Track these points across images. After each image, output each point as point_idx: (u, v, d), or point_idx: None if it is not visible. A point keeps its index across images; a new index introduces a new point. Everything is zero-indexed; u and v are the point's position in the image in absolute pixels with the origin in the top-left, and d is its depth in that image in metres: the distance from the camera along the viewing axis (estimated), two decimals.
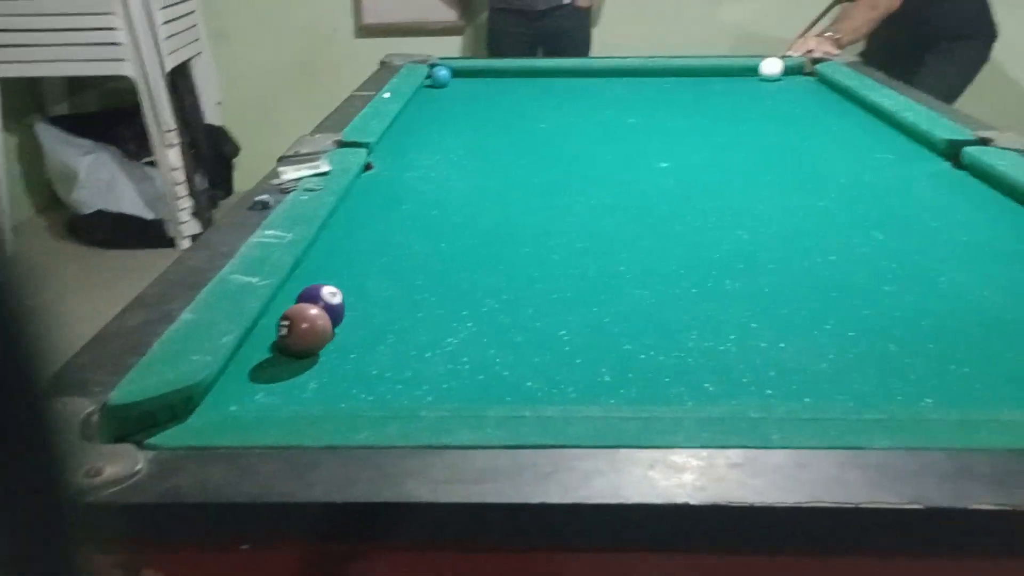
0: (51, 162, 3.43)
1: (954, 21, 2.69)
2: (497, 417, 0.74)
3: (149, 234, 3.38)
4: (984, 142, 1.53)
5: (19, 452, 0.30)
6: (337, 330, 0.94)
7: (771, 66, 2.27)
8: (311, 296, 0.93)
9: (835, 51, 2.41)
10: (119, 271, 3.15)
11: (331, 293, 0.94)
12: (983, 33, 2.75)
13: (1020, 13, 3.34)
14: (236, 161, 3.88)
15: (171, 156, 3.26)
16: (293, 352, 0.88)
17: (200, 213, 3.39)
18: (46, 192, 3.69)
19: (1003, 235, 1.23)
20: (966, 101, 2.62)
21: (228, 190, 3.83)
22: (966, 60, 2.70)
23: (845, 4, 2.70)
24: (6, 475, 0.30)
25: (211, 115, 3.77)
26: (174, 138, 3.25)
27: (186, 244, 3.32)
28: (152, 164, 3.40)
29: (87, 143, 3.44)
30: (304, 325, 0.88)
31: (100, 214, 3.36)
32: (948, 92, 2.53)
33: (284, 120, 3.77)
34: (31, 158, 3.59)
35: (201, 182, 3.54)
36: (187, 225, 3.34)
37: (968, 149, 1.50)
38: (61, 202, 3.54)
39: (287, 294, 1.02)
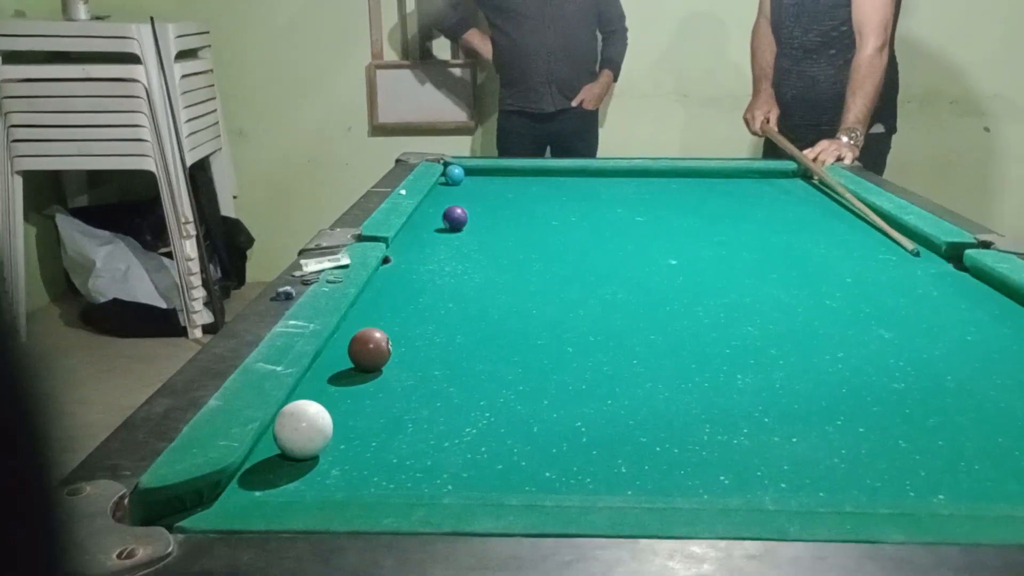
0: (69, 251, 3.50)
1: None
2: (518, 506, 0.76)
3: (162, 323, 3.42)
4: (985, 245, 1.57)
5: (26, 540, 0.31)
6: (357, 418, 0.97)
7: None
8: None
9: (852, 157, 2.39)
10: (131, 359, 3.18)
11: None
12: (887, 122, 2.67)
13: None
14: (249, 252, 3.96)
15: (187, 247, 3.34)
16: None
17: (212, 303, 3.45)
18: (62, 281, 3.76)
19: (1006, 335, 1.25)
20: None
21: (241, 281, 3.90)
22: (874, 151, 2.59)
23: (849, 89, 2.48)
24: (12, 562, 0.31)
25: (227, 208, 3.87)
26: (191, 230, 3.33)
27: (198, 333, 3.36)
28: (168, 255, 3.48)
29: (105, 234, 3.53)
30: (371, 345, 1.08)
31: (115, 303, 3.41)
32: None
33: (297, 213, 3.89)
34: (49, 248, 3.68)
35: (214, 273, 3.61)
36: (199, 315, 3.39)
37: (970, 251, 1.55)
38: (76, 291, 3.60)
39: (309, 382, 1.05)
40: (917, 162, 3.66)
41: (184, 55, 3.39)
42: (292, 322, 1.16)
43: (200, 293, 3.41)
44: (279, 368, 1.02)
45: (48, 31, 3.16)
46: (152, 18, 3.14)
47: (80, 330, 3.52)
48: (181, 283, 3.37)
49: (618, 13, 3.38)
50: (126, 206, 3.77)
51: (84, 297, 3.51)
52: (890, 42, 2.55)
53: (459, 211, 1.82)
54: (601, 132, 3.60)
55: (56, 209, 3.58)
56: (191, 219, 3.32)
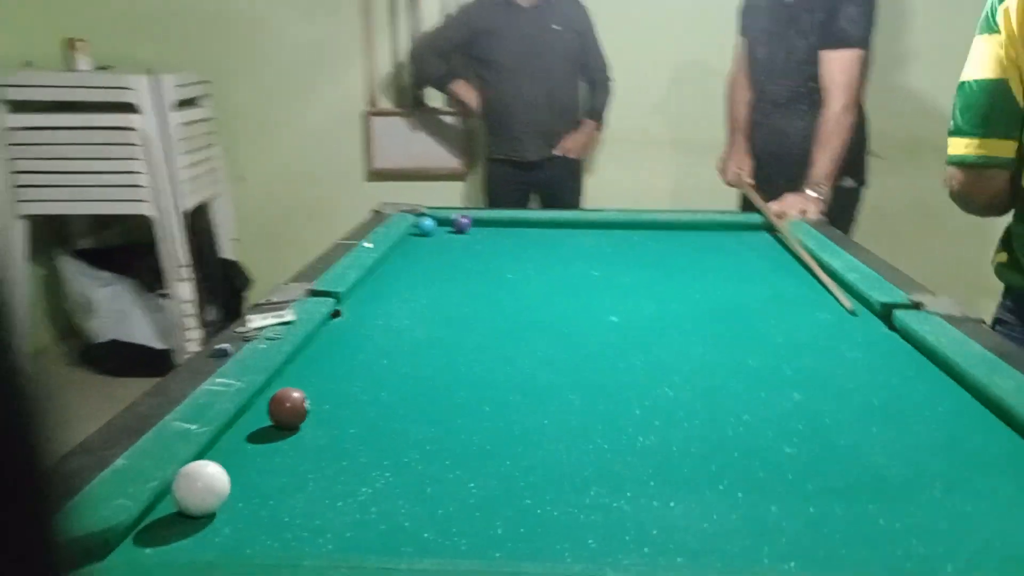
0: (71, 293, 3.61)
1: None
2: (373, 568, 0.81)
3: (158, 364, 3.50)
4: (917, 306, 1.60)
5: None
6: (264, 476, 1.03)
7: None
8: None
9: (817, 212, 2.46)
10: (127, 399, 3.25)
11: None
12: (856, 176, 2.72)
13: None
14: (249, 294, 4.05)
15: (183, 290, 3.44)
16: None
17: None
18: (65, 321, 3.87)
19: (914, 398, 1.29)
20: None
21: None
22: (844, 205, 2.65)
23: (816, 144, 2.57)
24: None
25: (226, 250, 3.97)
26: (187, 273, 3.43)
27: None
28: (166, 296, 3.57)
29: (106, 275, 3.63)
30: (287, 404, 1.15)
31: (113, 343, 3.51)
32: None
33: (294, 256, 3.97)
34: (54, 289, 3.79)
35: (211, 313, 3.70)
36: None
37: (899, 312, 1.58)
38: (77, 331, 3.70)
39: (227, 439, 1.11)
40: (903, 211, 3.70)
41: (185, 104, 3.51)
42: (219, 380, 1.22)
43: (195, 334, 3.50)
44: (194, 427, 1.08)
45: (52, 82, 3.29)
46: (149, 69, 3.27)
47: (79, 369, 3.62)
48: (177, 324, 3.46)
49: (601, 64, 3.46)
50: (128, 248, 3.89)
51: (84, 337, 3.61)
52: (858, 99, 2.61)
53: (464, 220, 2.37)
54: (591, 181, 3.67)
55: (58, 251, 3.70)
56: (186, 263, 3.42)
